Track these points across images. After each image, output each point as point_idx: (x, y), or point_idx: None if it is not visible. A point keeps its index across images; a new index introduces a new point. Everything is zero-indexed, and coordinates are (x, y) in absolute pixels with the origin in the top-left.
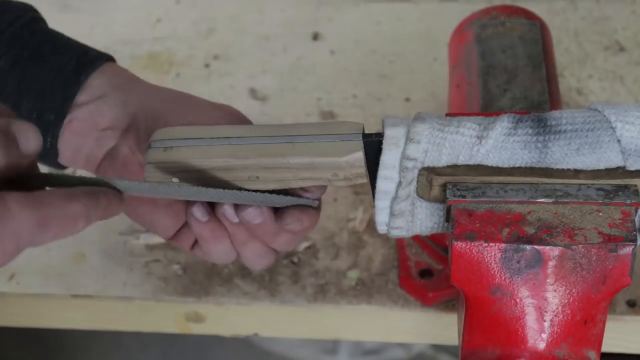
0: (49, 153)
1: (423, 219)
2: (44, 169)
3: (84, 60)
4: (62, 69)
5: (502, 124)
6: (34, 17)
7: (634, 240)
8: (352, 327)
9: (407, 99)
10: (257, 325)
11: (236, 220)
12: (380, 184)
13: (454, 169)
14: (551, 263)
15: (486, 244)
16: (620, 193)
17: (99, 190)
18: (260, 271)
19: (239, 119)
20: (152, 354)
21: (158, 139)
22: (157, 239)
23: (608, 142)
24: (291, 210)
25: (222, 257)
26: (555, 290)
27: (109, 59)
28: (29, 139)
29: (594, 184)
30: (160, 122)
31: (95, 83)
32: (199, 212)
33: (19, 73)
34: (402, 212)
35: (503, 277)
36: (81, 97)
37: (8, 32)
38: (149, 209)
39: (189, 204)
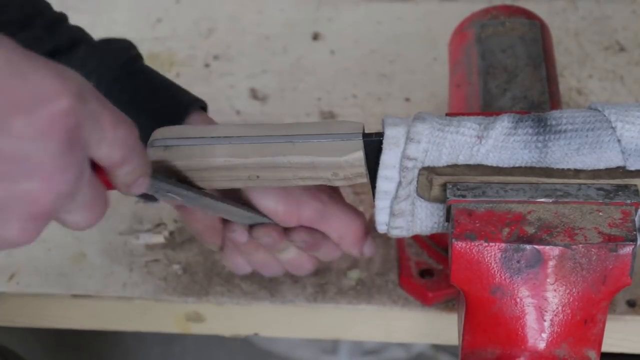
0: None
1: (423, 218)
2: None
3: (178, 109)
4: (158, 116)
5: (502, 124)
6: (131, 57)
7: (634, 240)
8: (352, 327)
9: (407, 99)
10: (257, 325)
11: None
12: (381, 183)
13: (454, 168)
14: (551, 263)
15: (486, 244)
16: (620, 193)
17: None
18: None
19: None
20: (152, 354)
21: (159, 138)
22: (157, 239)
23: (608, 141)
24: (258, 226)
25: (241, 268)
26: (555, 290)
27: (202, 106)
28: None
29: (594, 184)
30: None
31: None
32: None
33: None
34: (402, 211)
35: (503, 277)
36: None
37: (108, 76)
38: (197, 223)
39: (227, 224)
